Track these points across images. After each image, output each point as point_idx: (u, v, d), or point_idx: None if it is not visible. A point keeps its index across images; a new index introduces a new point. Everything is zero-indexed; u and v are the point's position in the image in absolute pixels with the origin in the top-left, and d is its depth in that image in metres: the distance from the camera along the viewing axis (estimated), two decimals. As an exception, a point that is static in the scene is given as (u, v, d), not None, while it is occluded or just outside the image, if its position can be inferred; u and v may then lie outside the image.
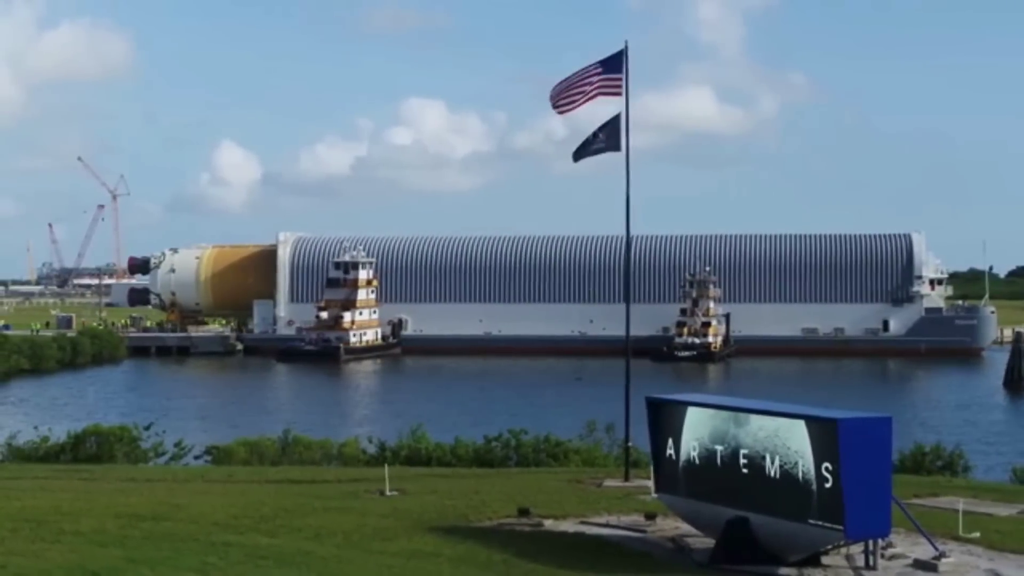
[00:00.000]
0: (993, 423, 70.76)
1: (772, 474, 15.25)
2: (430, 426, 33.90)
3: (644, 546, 16.70)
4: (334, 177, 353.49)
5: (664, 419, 17.28)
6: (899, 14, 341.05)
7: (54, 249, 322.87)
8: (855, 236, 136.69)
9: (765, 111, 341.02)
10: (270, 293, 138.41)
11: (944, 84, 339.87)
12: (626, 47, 22.91)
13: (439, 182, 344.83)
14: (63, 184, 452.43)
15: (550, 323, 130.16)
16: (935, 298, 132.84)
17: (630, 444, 23.72)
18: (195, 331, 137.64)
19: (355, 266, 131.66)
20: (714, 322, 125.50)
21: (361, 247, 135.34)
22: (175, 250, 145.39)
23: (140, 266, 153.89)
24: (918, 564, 15.15)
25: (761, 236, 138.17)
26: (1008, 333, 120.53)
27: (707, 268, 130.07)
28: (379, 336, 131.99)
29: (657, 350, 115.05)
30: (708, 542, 16.27)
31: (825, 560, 15.43)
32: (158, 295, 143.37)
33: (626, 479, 22.64)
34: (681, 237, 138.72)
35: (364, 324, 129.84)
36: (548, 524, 18.11)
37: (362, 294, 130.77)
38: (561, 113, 23.07)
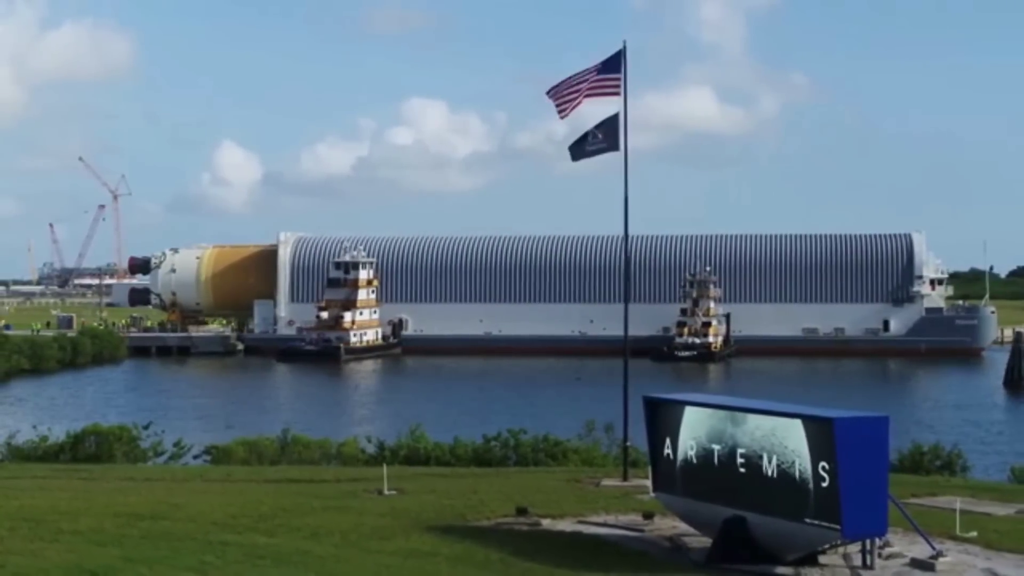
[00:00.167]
0: (993, 423, 70.78)
1: (769, 473, 15.26)
2: (429, 426, 33.93)
3: (641, 545, 16.72)
4: (335, 177, 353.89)
5: (662, 418, 17.30)
6: (900, 15, 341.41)
7: (55, 249, 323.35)
8: (855, 236, 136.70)
9: (766, 111, 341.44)
10: (271, 293, 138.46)
11: (945, 84, 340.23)
12: (624, 47, 22.94)
13: (440, 182, 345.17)
14: (64, 184, 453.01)
15: (550, 323, 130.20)
16: (935, 298, 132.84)
17: (629, 444, 23.74)
18: (195, 331, 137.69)
19: (355, 266, 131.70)
20: (714, 322, 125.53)
21: (361, 247, 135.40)
22: (176, 250, 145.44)
23: (141, 266, 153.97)
24: (915, 563, 15.15)
25: (761, 236, 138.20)
26: (1008, 333, 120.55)
27: (707, 268, 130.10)
28: (379, 336, 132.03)
29: (657, 350, 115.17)
30: (705, 541, 16.28)
31: (822, 559, 15.44)
32: (159, 295, 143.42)
33: (624, 479, 22.66)
34: (681, 237, 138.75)
35: (364, 324, 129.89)
36: (546, 523, 18.13)
37: (362, 294, 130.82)
38: (562, 116, 23.06)
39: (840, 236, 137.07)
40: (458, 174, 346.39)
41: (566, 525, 18.06)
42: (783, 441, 15.11)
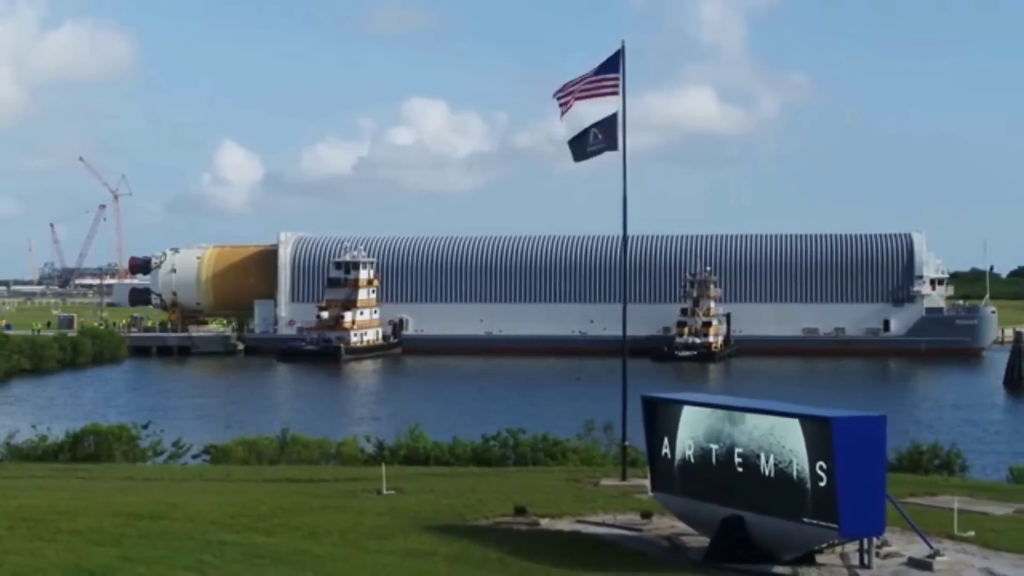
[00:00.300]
0: (992, 423, 70.78)
1: (767, 473, 15.29)
2: (429, 426, 33.95)
3: (640, 545, 16.74)
4: (335, 177, 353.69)
5: (660, 418, 17.32)
6: (900, 14, 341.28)
7: (56, 249, 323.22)
8: (856, 236, 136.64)
9: (766, 111, 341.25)
10: (271, 293, 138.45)
11: (945, 84, 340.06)
12: (623, 47, 22.97)
13: (441, 182, 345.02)
14: (65, 184, 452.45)
15: (550, 323, 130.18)
16: (936, 298, 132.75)
17: (628, 443, 23.77)
18: (196, 331, 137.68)
19: (356, 266, 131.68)
20: (715, 322, 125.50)
21: (362, 247, 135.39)
22: (176, 250, 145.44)
23: (141, 266, 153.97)
24: (913, 563, 15.17)
25: (761, 236, 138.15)
26: (1009, 333, 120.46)
27: (708, 268, 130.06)
28: (380, 336, 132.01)
29: (658, 350, 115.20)
30: (703, 541, 16.31)
31: (820, 559, 15.47)
32: (159, 295, 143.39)
33: (623, 478, 22.69)
34: (682, 237, 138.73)
35: (365, 324, 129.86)
36: (544, 523, 18.16)
37: (363, 294, 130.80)
38: (563, 115, 23.11)
39: (840, 236, 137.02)
40: (458, 174, 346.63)
41: (564, 525, 18.09)
42: (781, 441, 15.13)
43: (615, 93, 22.75)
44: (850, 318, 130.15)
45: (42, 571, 13.64)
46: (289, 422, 40.22)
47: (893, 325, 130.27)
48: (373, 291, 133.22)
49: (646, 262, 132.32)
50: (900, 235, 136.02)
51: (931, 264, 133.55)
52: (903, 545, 15.92)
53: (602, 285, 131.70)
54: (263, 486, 22.66)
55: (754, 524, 15.48)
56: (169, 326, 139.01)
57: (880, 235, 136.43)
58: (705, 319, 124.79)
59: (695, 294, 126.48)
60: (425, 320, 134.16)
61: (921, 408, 78.47)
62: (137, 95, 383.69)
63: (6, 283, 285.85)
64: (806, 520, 14.76)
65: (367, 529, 17.21)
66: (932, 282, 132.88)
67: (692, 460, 16.59)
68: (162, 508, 18.57)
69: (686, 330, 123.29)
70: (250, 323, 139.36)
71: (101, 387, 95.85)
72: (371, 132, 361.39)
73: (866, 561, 15.16)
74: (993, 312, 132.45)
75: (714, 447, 16.17)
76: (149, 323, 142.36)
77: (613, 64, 22.80)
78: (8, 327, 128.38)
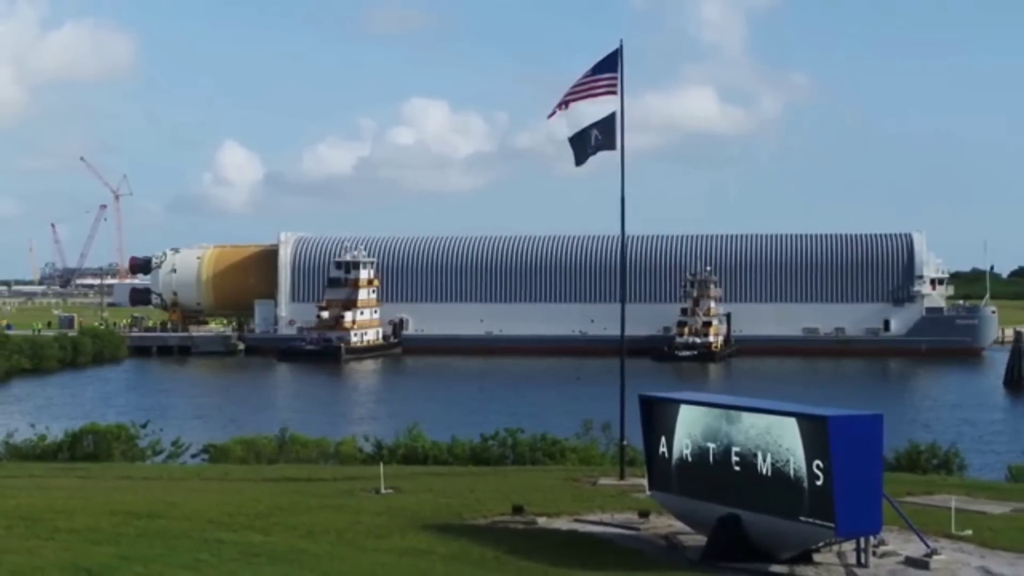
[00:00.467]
0: (991, 422, 70.78)
1: (764, 471, 15.30)
2: (428, 425, 33.96)
3: (637, 544, 16.75)
4: (336, 177, 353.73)
5: (657, 417, 17.33)
6: (900, 14, 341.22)
7: (57, 249, 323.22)
8: (856, 236, 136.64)
9: (767, 111, 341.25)
10: (271, 293, 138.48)
11: (945, 84, 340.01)
12: (621, 46, 22.97)
13: (441, 182, 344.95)
14: (66, 184, 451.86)
15: (551, 323, 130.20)
16: (936, 298, 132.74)
17: (626, 443, 23.76)
18: (196, 331, 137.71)
19: (356, 266, 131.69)
20: (715, 322, 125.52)
21: (362, 247, 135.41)
22: (176, 250, 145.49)
23: (141, 266, 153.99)
24: (910, 561, 15.18)
25: (761, 236, 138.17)
26: (1009, 333, 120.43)
27: (708, 268, 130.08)
28: (380, 336, 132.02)
29: (658, 350, 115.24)
30: (701, 539, 16.31)
31: (817, 557, 15.49)
32: (159, 295, 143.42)
33: (621, 477, 22.70)
34: (682, 237, 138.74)
35: (365, 324, 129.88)
36: (542, 522, 18.17)
37: (363, 294, 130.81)
38: (551, 115, 23.15)
39: (840, 236, 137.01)
40: (459, 174, 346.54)
41: (562, 524, 18.10)
42: (778, 439, 15.14)
43: (613, 92, 22.76)
44: (850, 318, 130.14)
45: (40, 570, 13.66)
46: (288, 422, 40.18)
47: (893, 325, 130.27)
48: (373, 291, 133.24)
49: (646, 262, 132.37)
50: (900, 235, 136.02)
51: (931, 264, 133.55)
52: (900, 544, 15.93)
53: (602, 285, 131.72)
54: (261, 485, 22.67)
55: (751, 523, 15.49)
56: (169, 326, 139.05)
57: (880, 235, 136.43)
58: (705, 319, 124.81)
59: (695, 294, 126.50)
60: (425, 320, 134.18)
61: (920, 408, 78.45)
62: (138, 95, 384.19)
63: (7, 283, 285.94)
64: (803, 519, 14.77)
65: (364, 528, 17.23)
66: (932, 282, 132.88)
67: (689, 459, 16.60)
68: (160, 507, 18.59)
69: (686, 330, 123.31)
70: (250, 323, 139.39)
71: (101, 387, 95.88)
72: (372, 132, 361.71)
73: (863, 560, 15.17)
74: (993, 312, 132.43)
75: (711, 446, 16.18)
76: (150, 323, 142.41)
77: (611, 63, 22.81)
78: (9, 327, 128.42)
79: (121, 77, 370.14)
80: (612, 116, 22.93)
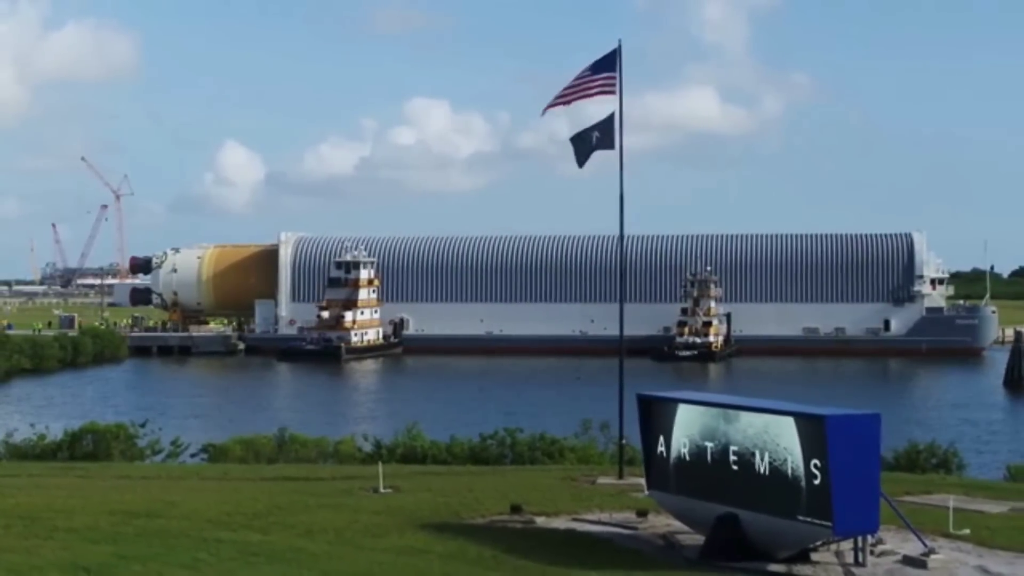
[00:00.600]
0: (991, 422, 70.77)
1: (761, 471, 15.31)
2: (428, 425, 34.00)
3: (635, 543, 16.75)
4: (338, 177, 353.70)
5: (655, 416, 17.34)
6: (901, 14, 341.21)
7: (58, 249, 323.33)
8: (856, 236, 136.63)
9: (768, 111, 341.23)
10: (272, 293, 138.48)
11: (946, 84, 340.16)
12: (619, 46, 22.99)
13: (443, 182, 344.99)
14: (67, 184, 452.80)
15: (551, 323, 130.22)
16: (936, 298, 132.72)
17: (625, 442, 23.77)
18: (196, 331, 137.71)
19: (356, 266, 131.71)
20: (715, 322, 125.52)
21: (362, 247, 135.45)
22: (177, 250, 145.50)
23: (142, 266, 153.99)
24: (907, 560, 15.19)
25: (762, 236, 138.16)
26: (1009, 333, 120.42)
27: (708, 268, 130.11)
28: (380, 336, 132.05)
29: (658, 350, 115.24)
30: (698, 539, 16.32)
31: (815, 556, 15.50)
32: (160, 295, 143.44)
33: (620, 477, 22.70)
34: (682, 237, 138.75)
35: (365, 324, 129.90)
36: (540, 521, 18.18)
37: (363, 294, 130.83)
38: (544, 111, 23.22)
39: (841, 236, 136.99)
40: (460, 174, 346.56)
41: (560, 523, 18.11)
42: (775, 439, 15.15)
43: (612, 92, 22.78)
44: (850, 318, 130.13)
45: (38, 569, 13.67)
46: (288, 421, 40.24)
47: (893, 325, 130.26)
48: (374, 291, 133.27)
49: (646, 262, 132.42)
50: (900, 235, 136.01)
51: (931, 264, 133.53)
52: (898, 543, 15.94)
53: (602, 285, 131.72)
54: (260, 485, 22.68)
55: (749, 522, 15.50)
56: (169, 326, 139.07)
57: (880, 235, 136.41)
58: (705, 319, 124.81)
59: (695, 294, 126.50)
60: (426, 320, 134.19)
61: (920, 408, 78.45)
62: (139, 95, 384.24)
63: (8, 283, 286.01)
64: (800, 518, 14.78)
65: (362, 527, 17.24)
66: (932, 282, 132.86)
67: (687, 458, 16.61)
68: (158, 506, 18.61)
69: (686, 330, 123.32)
70: (251, 323, 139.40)
71: (101, 387, 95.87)
72: (373, 132, 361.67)
73: (861, 559, 15.18)
74: (993, 312, 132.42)
75: (709, 445, 16.19)
76: (151, 323, 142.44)
77: (609, 63, 22.82)
78: (9, 327, 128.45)
79: (122, 77, 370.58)
80: (611, 116, 22.95)
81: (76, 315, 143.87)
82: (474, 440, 30.30)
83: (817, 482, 14.52)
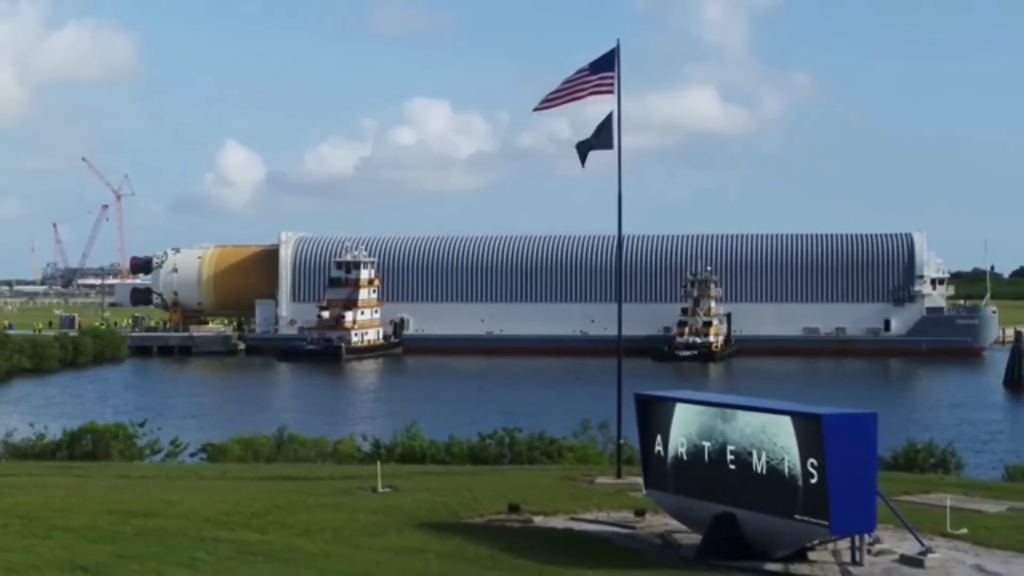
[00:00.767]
0: (990, 422, 70.76)
1: (759, 470, 15.33)
2: (427, 425, 34.00)
3: (632, 542, 16.77)
4: (338, 177, 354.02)
5: (653, 416, 17.36)
6: (902, 14, 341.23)
7: (58, 249, 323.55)
8: (856, 236, 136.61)
9: (769, 111, 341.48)
10: (272, 293, 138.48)
11: (947, 84, 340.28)
12: (618, 45, 23.00)
13: (443, 182, 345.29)
14: (67, 184, 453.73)
15: (551, 323, 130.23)
16: (936, 298, 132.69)
17: (624, 442, 23.78)
18: (197, 331, 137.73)
19: (357, 266, 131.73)
20: (715, 322, 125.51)
21: (363, 247, 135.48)
22: (177, 250, 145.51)
23: (142, 266, 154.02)
24: (904, 560, 15.20)
25: (762, 236, 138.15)
26: (1009, 333, 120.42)
27: (708, 268, 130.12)
28: (381, 336, 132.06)
29: (658, 350, 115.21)
30: (696, 538, 16.33)
31: (812, 555, 15.50)
32: (160, 295, 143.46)
33: (618, 476, 22.72)
34: (682, 237, 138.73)
35: (366, 324, 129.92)
36: (538, 520, 18.20)
37: (364, 294, 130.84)
38: (536, 110, 23.27)
39: (841, 236, 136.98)
40: (461, 174, 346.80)
41: (558, 522, 18.13)
42: (772, 438, 15.17)
43: (608, 92, 22.81)
44: (851, 318, 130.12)
45: (36, 568, 13.70)
46: (287, 421, 40.26)
47: (894, 325, 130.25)
48: (374, 291, 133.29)
49: (646, 262, 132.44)
50: (901, 235, 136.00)
51: (932, 264, 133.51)
52: (895, 542, 15.96)
53: (603, 285, 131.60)
54: (259, 484, 22.70)
55: (746, 521, 15.52)
56: (168, 326, 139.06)
57: (881, 235, 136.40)
58: (706, 319, 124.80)
59: (696, 294, 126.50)
60: (426, 320, 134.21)
61: (919, 407, 78.43)
62: (139, 95, 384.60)
63: (9, 283, 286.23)
64: (797, 517, 14.80)
65: (360, 526, 17.26)
66: (933, 282, 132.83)
67: (685, 457, 16.62)
68: (157, 506, 18.63)
69: (687, 330, 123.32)
70: (251, 323, 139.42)
71: (101, 387, 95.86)
72: (373, 132, 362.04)
73: (858, 558, 15.19)
74: (994, 312, 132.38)
75: (706, 444, 16.21)
76: (152, 323, 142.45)
77: (608, 63, 22.84)
78: (10, 327, 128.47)
79: (123, 77, 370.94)
80: (609, 116, 22.98)
81: (76, 315, 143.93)
82: (473, 440, 30.30)
83: (814, 481, 14.53)
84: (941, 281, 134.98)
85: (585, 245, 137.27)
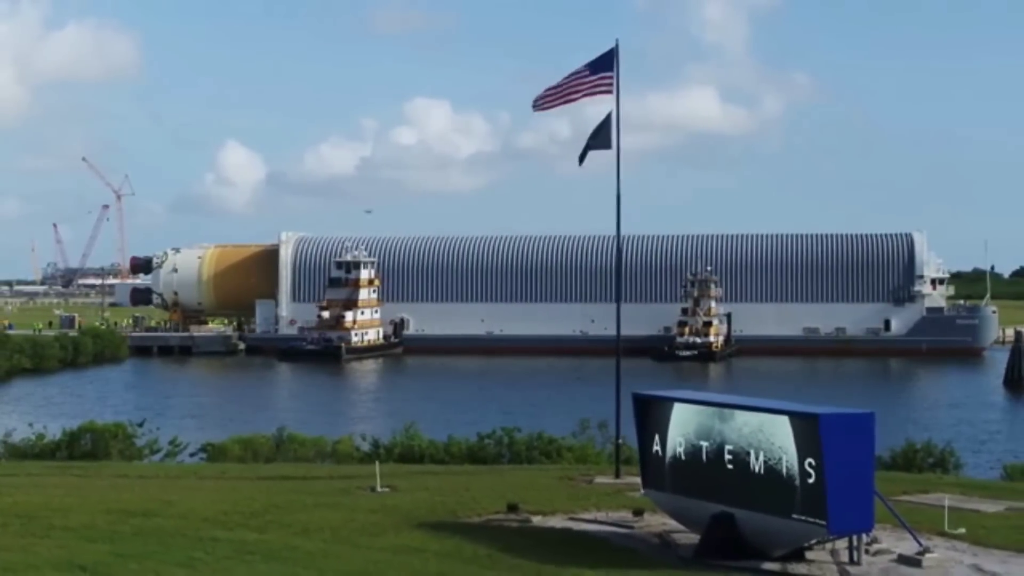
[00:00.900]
0: (990, 422, 70.77)
1: (756, 469, 15.33)
2: (426, 424, 34.01)
3: (630, 542, 16.77)
4: (338, 177, 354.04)
5: (651, 415, 17.36)
6: (902, 14, 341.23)
7: (59, 249, 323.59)
8: (856, 236, 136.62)
9: (769, 111, 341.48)
10: (272, 293, 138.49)
11: (947, 84, 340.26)
12: (616, 45, 23.01)
13: (443, 182, 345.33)
14: (68, 184, 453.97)
15: (551, 323, 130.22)
16: (936, 298, 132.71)
17: (622, 442, 23.79)
18: (197, 331, 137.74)
19: (357, 266, 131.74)
20: (715, 322, 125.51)
21: (363, 247, 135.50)
22: (177, 250, 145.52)
23: (142, 266, 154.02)
24: (902, 559, 15.20)
25: (762, 236, 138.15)
26: (1010, 333, 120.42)
27: (708, 268, 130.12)
28: (381, 336, 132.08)
29: (659, 350, 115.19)
30: (694, 538, 16.33)
31: (810, 555, 15.51)
32: (160, 295, 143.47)
33: (617, 476, 22.73)
34: (683, 237, 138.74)
35: (366, 324, 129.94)
36: (536, 520, 18.20)
37: (364, 294, 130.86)
38: (536, 109, 23.28)
39: (841, 236, 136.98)
40: (461, 174, 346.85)
41: (556, 522, 18.13)
42: (770, 437, 15.17)
43: (607, 92, 22.81)
44: (851, 318, 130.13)
45: (34, 567, 13.71)
46: (287, 421, 40.25)
47: (894, 325, 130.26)
48: (374, 291, 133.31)
49: (646, 262, 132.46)
50: (901, 235, 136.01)
51: (932, 264, 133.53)
52: (893, 542, 15.96)
53: (602, 285, 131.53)
54: (257, 484, 22.71)
55: (744, 521, 15.52)
56: (169, 326, 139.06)
57: (881, 235, 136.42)
58: (706, 319, 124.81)
59: (696, 294, 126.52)
60: (426, 320, 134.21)
61: (919, 407, 78.43)
62: (140, 95, 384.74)
63: (9, 283, 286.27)
64: (795, 517, 14.80)
65: (359, 526, 17.27)
66: (933, 282, 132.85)
67: (682, 457, 16.63)
68: (155, 505, 18.64)
69: (687, 330, 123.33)
70: (251, 323, 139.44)
71: (101, 386, 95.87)
72: (374, 132, 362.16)
73: (856, 558, 15.19)
74: (994, 312, 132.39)
75: (704, 444, 16.21)
76: (152, 323, 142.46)
77: (607, 63, 22.85)
78: (10, 327, 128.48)
79: (123, 77, 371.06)
80: (608, 116, 22.99)
81: (77, 315, 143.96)
82: (472, 440, 30.30)
83: (812, 481, 14.54)
84: (941, 281, 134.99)
85: (585, 245, 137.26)
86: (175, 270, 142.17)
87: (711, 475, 16.02)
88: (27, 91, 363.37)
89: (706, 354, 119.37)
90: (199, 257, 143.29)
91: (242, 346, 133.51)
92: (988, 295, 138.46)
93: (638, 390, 18.18)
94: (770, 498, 15.07)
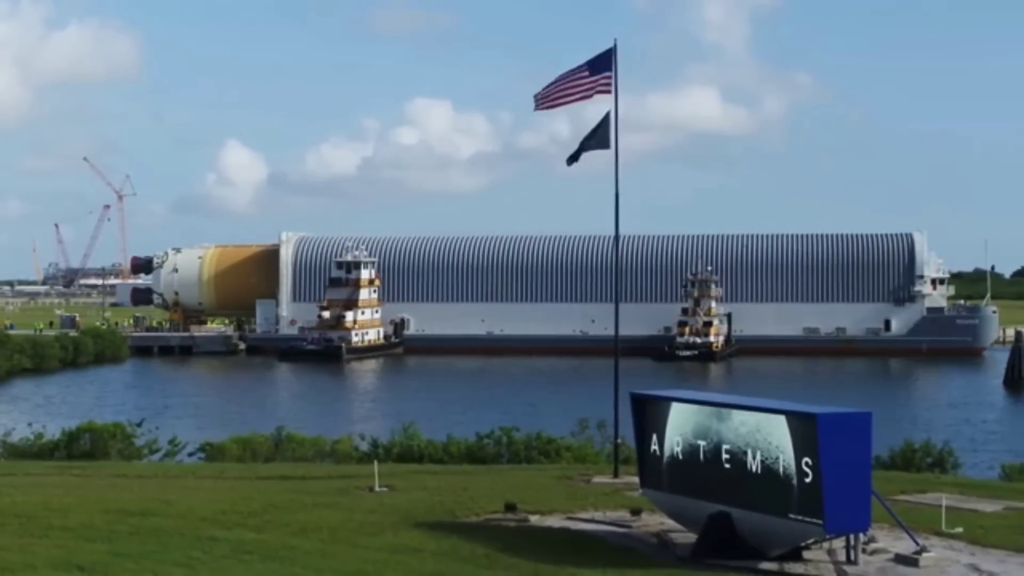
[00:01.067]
0: (989, 421, 70.76)
1: (754, 469, 15.35)
2: (426, 424, 34.00)
3: (628, 541, 16.79)
4: (340, 177, 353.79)
5: (648, 415, 17.38)
6: (902, 15, 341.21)
7: (60, 249, 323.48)
8: (857, 235, 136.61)
9: (770, 111, 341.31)
10: (272, 293, 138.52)
11: (948, 84, 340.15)
12: (615, 45, 23.03)
13: (444, 182, 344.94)
14: (69, 184, 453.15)
15: (552, 323, 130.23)
16: (937, 298, 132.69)
17: (621, 441, 23.81)
18: (197, 331, 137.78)
19: (357, 266, 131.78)
20: (716, 322, 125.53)
21: (363, 247, 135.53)
22: (178, 250, 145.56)
23: (143, 266, 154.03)
24: (899, 559, 15.22)
25: (762, 236, 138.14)
26: (1010, 333, 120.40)
27: (709, 268, 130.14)
28: (381, 336, 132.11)
29: (659, 350, 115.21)
30: (691, 537, 16.35)
31: (807, 554, 15.52)
32: (161, 295, 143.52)
33: (615, 475, 22.75)
34: (683, 237, 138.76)
35: (366, 324, 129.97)
36: (534, 520, 18.22)
37: (364, 294, 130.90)
38: (537, 109, 23.28)
39: (841, 236, 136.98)
40: (462, 174, 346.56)
41: (554, 521, 18.15)
42: (767, 437, 15.20)
43: (608, 91, 22.83)
44: (851, 318, 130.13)
45: (33, 567, 13.73)
46: (286, 421, 40.27)
47: (894, 325, 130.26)
48: (374, 291, 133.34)
49: (647, 262, 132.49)
50: (901, 235, 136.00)
51: (932, 264, 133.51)
52: (890, 541, 15.97)
53: (603, 285, 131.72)
54: (256, 483, 22.72)
55: (741, 520, 15.54)
56: (169, 326, 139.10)
57: (881, 235, 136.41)
58: (706, 319, 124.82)
59: (696, 294, 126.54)
60: (426, 320, 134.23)
61: (918, 407, 78.42)
62: (141, 95, 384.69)
63: (10, 283, 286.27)
64: (792, 516, 14.82)
65: (357, 525, 17.28)
66: (933, 282, 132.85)
67: (680, 457, 16.65)
68: (154, 505, 18.65)
69: (687, 330, 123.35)
70: (251, 323, 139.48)
71: (101, 386, 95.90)
72: (375, 132, 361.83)
73: (853, 557, 15.21)
74: (994, 312, 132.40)
75: (702, 444, 16.23)
76: (153, 323, 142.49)
77: (605, 63, 22.86)
78: (11, 327, 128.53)
79: (125, 77, 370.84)
80: (606, 116, 23.00)
81: (77, 315, 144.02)
82: (470, 439, 30.30)
83: (808, 480, 14.56)
84: (941, 281, 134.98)
85: (585, 245, 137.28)
86: (176, 270, 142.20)
87: (708, 475, 16.04)
88: (28, 91, 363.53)
89: (706, 354, 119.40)
90: (200, 257, 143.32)
91: (242, 346, 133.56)
92: (988, 295, 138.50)
93: (637, 390, 18.20)
94: (767, 498, 15.09)
